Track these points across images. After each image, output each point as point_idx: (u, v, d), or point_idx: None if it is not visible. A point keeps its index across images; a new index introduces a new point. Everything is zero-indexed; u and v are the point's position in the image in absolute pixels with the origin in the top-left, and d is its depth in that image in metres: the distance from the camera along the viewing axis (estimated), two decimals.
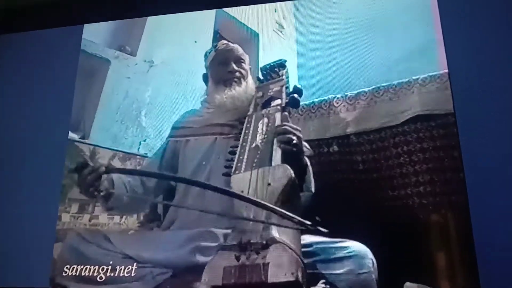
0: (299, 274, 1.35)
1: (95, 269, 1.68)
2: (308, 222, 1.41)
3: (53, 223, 1.84)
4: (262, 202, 1.47)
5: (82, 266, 1.69)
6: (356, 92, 1.73)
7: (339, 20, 1.86)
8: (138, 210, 1.84)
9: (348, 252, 1.42)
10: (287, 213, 1.43)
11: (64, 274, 1.70)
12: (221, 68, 1.84)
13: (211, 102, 1.85)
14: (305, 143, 1.62)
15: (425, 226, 1.52)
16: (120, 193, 1.71)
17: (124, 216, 1.83)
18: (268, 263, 1.40)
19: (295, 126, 1.57)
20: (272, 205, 1.47)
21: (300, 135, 1.56)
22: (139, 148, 1.93)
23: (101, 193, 1.65)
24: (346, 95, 1.74)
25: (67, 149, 1.93)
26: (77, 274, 1.69)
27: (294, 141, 1.53)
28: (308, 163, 1.60)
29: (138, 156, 1.92)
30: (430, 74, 1.64)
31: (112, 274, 1.66)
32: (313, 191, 1.58)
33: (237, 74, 1.82)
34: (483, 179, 1.52)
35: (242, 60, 1.85)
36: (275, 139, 1.57)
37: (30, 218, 1.91)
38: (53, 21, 2.19)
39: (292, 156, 1.54)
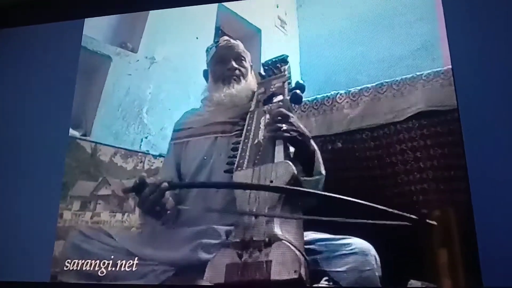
0: (302, 272, 1.35)
1: (96, 263, 1.68)
2: (414, 217, 1.42)
3: (54, 220, 1.83)
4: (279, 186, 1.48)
5: (83, 261, 1.69)
6: (359, 88, 1.71)
7: (342, 15, 1.85)
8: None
9: (351, 249, 1.42)
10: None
11: (65, 269, 1.71)
12: (221, 65, 1.83)
13: (210, 101, 1.84)
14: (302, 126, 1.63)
15: (429, 224, 1.51)
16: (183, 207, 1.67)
17: (126, 214, 1.82)
18: (271, 260, 1.40)
19: (287, 113, 1.59)
20: (274, 203, 1.48)
21: (293, 120, 1.59)
22: (140, 145, 1.92)
23: (168, 211, 1.61)
24: (349, 91, 1.73)
25: (68, 147, 1.93)
26: (78, 268, 1.69)
27: (284, 128, 1.54)
28: (316, 148, 1.61)
29: (140, 153, 1.91)
30: (434, 70, 1.62)
31: (113, 269, 1.66)
32: (324, 173, 1.57)
33: (237, 72, 1.81)
34: (487, 176, 1.51)
35: (243, 58, 1.84)
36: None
37: (31, 214, 1.91)
38: (53, 16, 2.18)
39: (298, 141, 1.56)
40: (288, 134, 1.57)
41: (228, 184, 1.62)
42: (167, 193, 1.60)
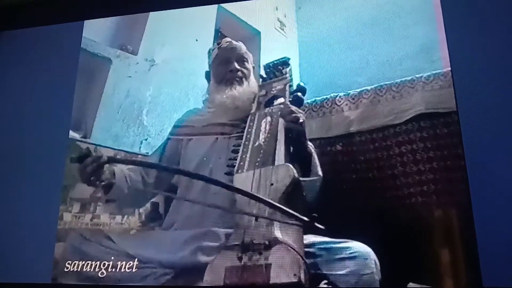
0: (302, 275, 1.35)
1: (96, 264, 1.68)
2: (306, 218, 1.43)
3: (54, 222, 1.83)
4: (262, 197, 1.49)
5: (83, 262, 1.69)
6: (359, 90, 1.71)
7: (341, 17, 1.84)
8: (137, 205, 1.83)
9: (351, 253, 1.42)
10: (284, 207, 1.45)
11: (65, 270, 1.71)
12: (223, 66, 1.83)
13: (212, 102, 1.84)
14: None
15: (428, 225, 1.51)
16: (120, 185, 1.73)
17: (126, 216, 1.82)
18: (271, 263, 1.40)
19: (299, 110, 1.60)
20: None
21: (304, 118, 1.61)
22: (140, 147, 1.92)
23: (102, 183, 1.68)
24: (349, 93, 1.73)
25: (68, 149, 1.93)
26: (79, 269, 1.69)
27: (301, 120, 1.57)
28: (313, 151, 1.62)
29: (139, 156, 1.91)
30: (434, 72, 1.62)
31: (113, 270, 1.66)
32: (321, 174, 1.58)
33: (239, 73, 1.81)
34: (486, 178, 1.51)
35: (245, 59, 1.84)
36: (281, 121, 1.61)
37: (31, 216, 1.90)
38: (52, 18, 2.18)
39: (297, 141, 1.57)
40: (302, 128, 1.60)
41: (183, 171, 1.75)
42: (106, 167, 1.71)
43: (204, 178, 1.68)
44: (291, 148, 1.61)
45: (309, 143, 1.64)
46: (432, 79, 1.62)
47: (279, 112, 1.66)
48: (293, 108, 1.62)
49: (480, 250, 1.41)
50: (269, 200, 1.48)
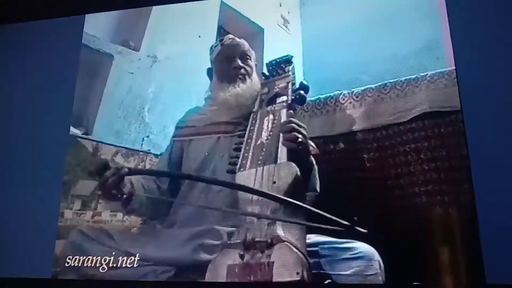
0: (305, 274, 1.34)
1: (97, 260, 1.68)
2: (346, 222, 1.41)
3: (55, 219, 1.83)
4: (272, 193, 1.48)
5: (84, 257, 1.69)
6: (362, 88, 1.70)
7: (345, 15, 1.83)
8: (156, 213, 1.77)
9: (355, 253, 1.41)
10: (309, 207, 1.44)
11: (66, 265, 1.71)
12: (226, 63, 1.82)
13: (214, 100, 1.83)
14: (311, 142, 1.61)
15: (432, 225, 1.50)
16: (141, 195, 1.70)
17: None
18: (273, 262, 1.40)
19: (301, 124, 1.56)
20: (277, 205, 1.47)
21: (306, 133, 1.56)
22: (142, 144, 1.91)
23: (124, 196, 1.65)
24: (353, 91, 1.72)
25: (69, 145, 1.92)
26: (79, 265, 1.69)
27: (300, 139, 1.52)
28: (314, 163, 1.59)
29: (141, 153, 1.90)
30: (438, 70, 1.61)
31: (114, 265, 1.66)
32: (318, 191, 1.56)
33: (242, 70, 1.80)
34: (490, 177, 1.50)
35: (248, 56, 1.83)
36: (281, 136, 1.55)
37: (32, 212, 1.90)
38: (53, 12, 2.16)
39: (298, 155, 1.53)
40: (303, 147, 1.55)
41: (201, 178, 1.70)
42: (127, 179, 1.67)
43: (213, 181, 1.67)
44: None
45: (312, 157, 1.60)
46: (436, 77, 1.61)
47: (280, 127, 1.62)
48: (294, 124, 1.56)
49: (484, 248, 1.41)
50: (278, 195, 1.47)
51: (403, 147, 1.59)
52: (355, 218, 1.42)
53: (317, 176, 1.58)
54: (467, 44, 1.63)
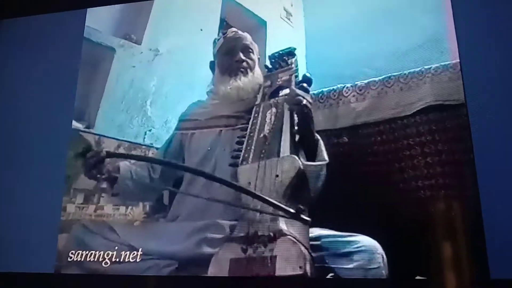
0: (307, 268, 1.34)
1: (100, 254, 1.68)
2: (292, 210, 1.44)
3: (58, 213, 1.83)
4: (257, 193, 1.49)
5: (87, 252, 1.70)
6: (366, 81, 1.69)
7: (349, 7, 1.82)
8: (143, 199, 1.83)
9: (357, 247, 1.41)
10: (273, 201, 1.45)
11: (69, 260, 1.72)
12: (228, 57, 1.82)
13: (216, 93, 1.83)
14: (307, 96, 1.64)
15: (436, 219, 1.49)
16: (123, 178, 1.74)
17: (130, 207, 1.81)
18: (276, 256, 1.40)
19: (306, 94, 1.60)
20: (281, 197, 1.46)
21: (311, 100, 1.61)
22: (144, 138, 1.91)
23: (103, 176, 1.71)
24: (356, 84, 1.70)
25: (71, 139, 1.92)
26: (82, 259, 1.70)
27: (304, 102, 1.55)
28: (319, 137, 1.61)
29: (143, 146, 1.90)
30: (442, 63, 1.60)
31: (117, 260, 1.66)
32: (327, 159, 1.57)
33: (244, 64, 1.80)
34: (495, 171, 1.49)
35: (251, 50, 1.82)
36: (285, 105, 1.60)
37: (35, 206, 1.90)
38: (54, 5, 2.15)
39: (301, 126, 1.56)
40: (307, 111, 1.59)
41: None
42: (117, 164, 1.76)
43: (206, 175, 1.68)
44: (297, 137, 1.59)
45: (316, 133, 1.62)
46: (440, 70, 1.60)
47: (286, 98, 1.65)
48: (299, 91, 1.61)
49: (488, 243, 1.40)
50: (260, 195, 1.49)
51: (407, 141, 1.58)
52: (300, 206, 1.45)
53: (323, 148, 1.59)
54: (471, 37, 1.61)
